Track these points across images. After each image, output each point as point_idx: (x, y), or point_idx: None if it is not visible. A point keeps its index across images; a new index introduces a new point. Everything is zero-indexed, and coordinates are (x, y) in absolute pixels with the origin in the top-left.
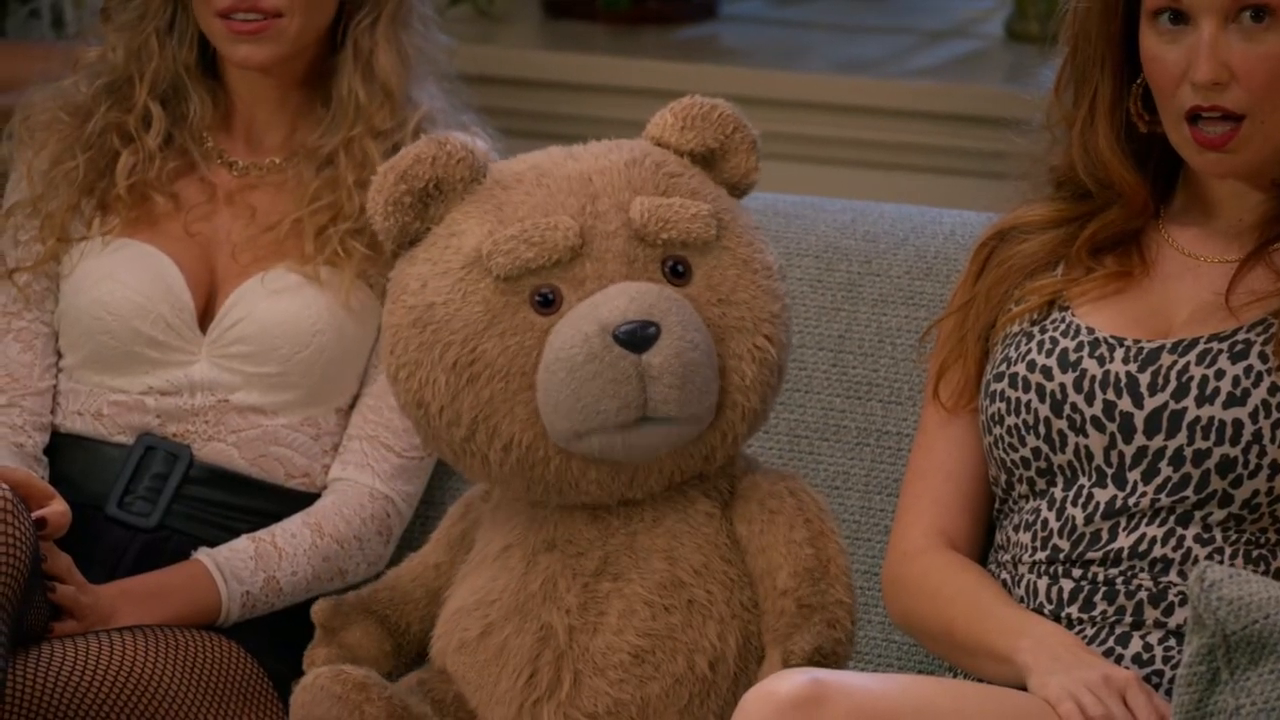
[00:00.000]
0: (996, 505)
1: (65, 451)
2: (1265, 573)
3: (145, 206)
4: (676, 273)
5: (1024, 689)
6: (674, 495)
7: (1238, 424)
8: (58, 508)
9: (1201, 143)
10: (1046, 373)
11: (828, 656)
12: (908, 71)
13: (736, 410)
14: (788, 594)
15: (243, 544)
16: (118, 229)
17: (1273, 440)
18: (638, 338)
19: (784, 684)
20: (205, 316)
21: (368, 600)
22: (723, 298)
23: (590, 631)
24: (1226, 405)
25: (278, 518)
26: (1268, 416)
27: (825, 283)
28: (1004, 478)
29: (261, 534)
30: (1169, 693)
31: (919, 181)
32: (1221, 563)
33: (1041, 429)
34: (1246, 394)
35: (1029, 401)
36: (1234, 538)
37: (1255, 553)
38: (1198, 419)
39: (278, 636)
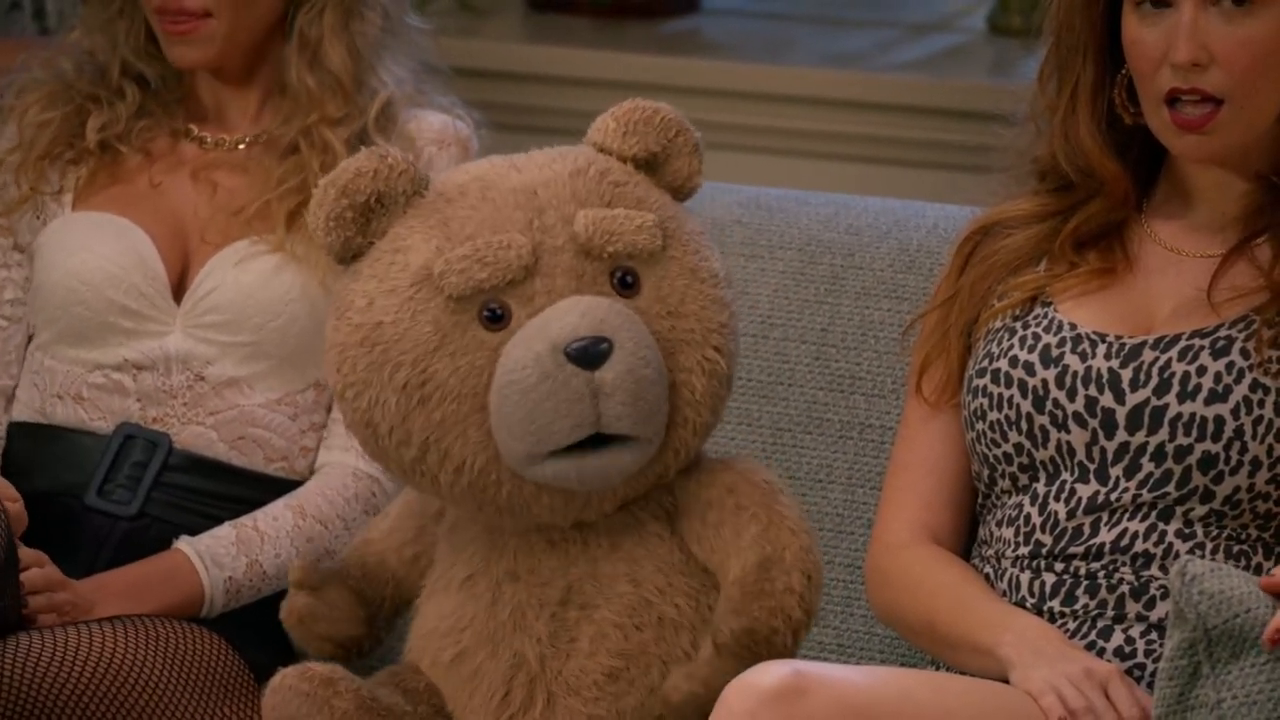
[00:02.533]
0: (979, 500)
1: (45, 441)
2: (1246, 569)
3: (116, 161)
4: (625, 284)
5: (1006, 682)
6: (624, 517)
7: (1219, 420)
8: (16, 507)
9: (1180, 124)
10: (1029, 368)
11: (760, 642)
12: (891, 65)
13: (688, 426)
14: (735, 583)
15: (224, 530)
16: (86, 182)
17: (1254, 437)
18: (590, 354)
19: (765, 676)
20: (179, 290)
21: (340, 572)
22: (672, 310)
23: (563, 658)
24: (1208, 401)
25: (258, 505)
26: (1249, 413)
27: (808, 276)
28: (986, 473)
29: (244, 519)
30: (1150, 686)
31: (902, 175)
32: (1203, 558)
33: (1024, 425)
34: (1228, 390)
35: (1011, 397)
36: (1215, 534)
37: (1236, 549)
38: (1179, 415)
39: (258, 628)
